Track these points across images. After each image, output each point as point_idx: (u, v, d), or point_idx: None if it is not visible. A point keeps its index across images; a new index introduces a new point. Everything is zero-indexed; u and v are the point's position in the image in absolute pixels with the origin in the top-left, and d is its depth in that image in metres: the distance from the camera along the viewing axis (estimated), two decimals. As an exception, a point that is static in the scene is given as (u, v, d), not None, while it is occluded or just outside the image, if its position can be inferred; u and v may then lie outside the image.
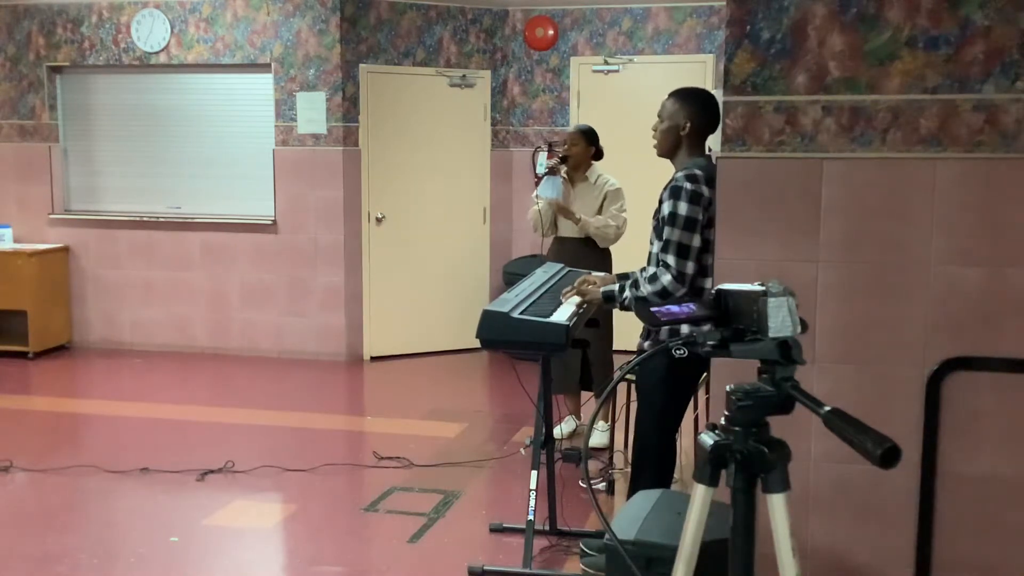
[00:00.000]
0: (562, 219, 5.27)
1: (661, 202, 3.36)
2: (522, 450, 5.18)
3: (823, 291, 2.88)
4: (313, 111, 7.14)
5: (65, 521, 4.27)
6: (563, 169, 5.24)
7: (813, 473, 2.91)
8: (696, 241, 3.26)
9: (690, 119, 3.40)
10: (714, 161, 3.19)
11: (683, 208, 3.25)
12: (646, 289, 3.29)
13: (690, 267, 3.26)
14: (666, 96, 3.52)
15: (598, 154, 5.30)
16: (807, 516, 2.93)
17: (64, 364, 7.31)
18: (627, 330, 5.18)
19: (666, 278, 3.24)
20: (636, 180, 5.54)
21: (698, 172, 3.30)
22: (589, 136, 5.26)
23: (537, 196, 5.26)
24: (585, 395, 5.49)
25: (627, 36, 7.51)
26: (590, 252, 5.18)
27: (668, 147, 3.47)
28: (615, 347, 5.38)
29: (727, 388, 1.85)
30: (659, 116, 3.50)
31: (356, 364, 7.29)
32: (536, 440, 3.79)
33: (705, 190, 3.27)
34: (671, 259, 3.25)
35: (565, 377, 5.28)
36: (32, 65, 7.62)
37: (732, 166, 2.92)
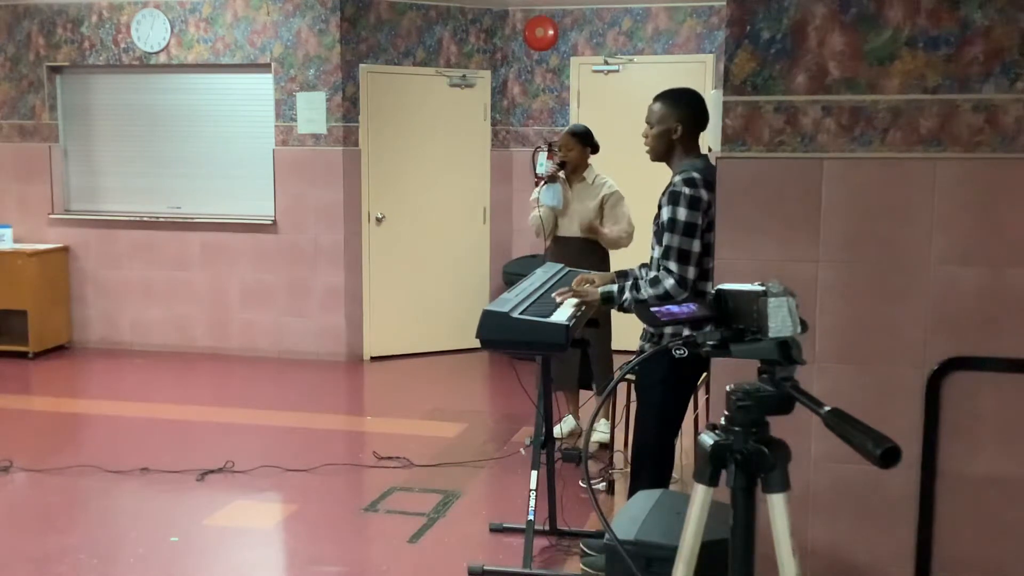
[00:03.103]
0: (561, 220, 5.28)
1: (660, 207, 3.35)
2: (522, 450, 5.18)
3: (823, 291, 2.88)
4: (313, 111, 7.14)
5: (65, 521, 4.27)
6: (561, 174, 5.23)
7: (813, 473, 2.91)
8: (696, 246, 3.26)
9: (681, 121, 3.39)
10: (713, 161, 3.19)
11: (682, 214, 3.25)
12: (647, 292, 3.29)
13: (692, 272, 3.25)
14: (652, 100, 3.50)
15: (594, 150, 5.31)
16: (807, 516, 2.93)
17: (64, 364, 7.31)
18: (627, 330, 5.18)
19: (669, 282, 3.24)
20: (636, 180, 5.53)
21: (696, 176, 3.29)
22: (583, 138, 5.27)
23: (539, 201, 5.24)
24: (585, 394, 5.49)
25: (627, 36, 7.51)
26: (590, 252, 5.18)
27: (662, 151, 3.46)
28: (615, 347, 5.38)
29: (727, 388, 1.85)
30: (648, 122, 3.48)
31: (356, 364, 7.29)
32: (536, 440, 3.79)
33: (704, 194, 3.26)
34: (673, 265, 3.25)
35: (564, 374, 5.28)
36: (32, 65, 7.62)
37: (732, 166, 2.92)
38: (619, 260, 5.30)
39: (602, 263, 5.14)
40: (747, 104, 2.89)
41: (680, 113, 3.40)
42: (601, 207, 5.23)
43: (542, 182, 5.26)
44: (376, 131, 7.26)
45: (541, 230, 5.29)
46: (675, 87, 3.57)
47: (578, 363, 5.28)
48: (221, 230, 7.45)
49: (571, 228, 5.26)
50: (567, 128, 5.42)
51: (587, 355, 5.18)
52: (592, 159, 5.36)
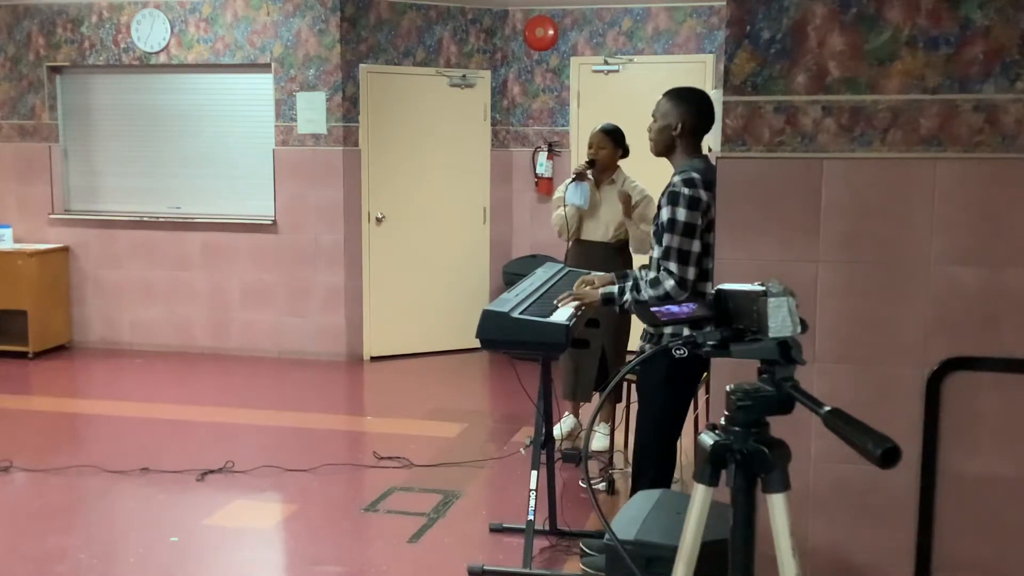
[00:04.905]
0: (587, 223, 5.08)
1: (660, 207, 3.36)
2: (522, 450, 5.17)
3: (823, 291, 2.88)
4: (313, 111, 7.14)
5: (65, 521, 4.27)
6: (589, 173, 5.02)
7: (813, 473, 2.91)
8: (696, 247, 3.26)
9: (682, 120, 3.39)
10: (713, 161, 3.19)
11: (682, 214, 3.25)
12: (648, 293, 3.29)
13: (691, 272, 3.25)
14: (661, 95, 3.51)
15: (624, 153, 5.09)
16: (807, 516, 2.93)
17: (64, 364, 7.31)
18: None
19: (669, 283, 3.24)
20: (637, 180, 5.52)
21: (695, 176, 3.29)
22: (616, 137, 5.04)
23: (564, 199, 5.05)
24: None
25: (627, 36, 7.51)
26: (613, 256, 5.01)
27: (663, 147, 3.46)
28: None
29: (727, 388, 1.85)
30: (653, 116, 3.49)
31: (356, 364, 7.29)
32: (536, 440, 3.79)
33: (703, 194, 3.26)
34: (673, 266, 3.25)
35: (581, 384, 5.19)
36: (32, 65, 7.62)
37: (732, 166, 2.92)
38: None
39: (625, 267, 4.95)
40: (747, 104, 2.89)
41: (683, 111, 3.40)
42: (634, 211, 4.97)
43: (569, 180, 5.05)
44: (376, 131, 7.26)
45: (565, 230, 5.08)
46: (686, 86, 3.57)
47: (595, 372, 5.13)
48: (221, 230, 7.45)
49: (596, 232, 5.07)
50: (599, 126, 5.09)
51: (605, 357, 5.11)
52: None
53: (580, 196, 5.01)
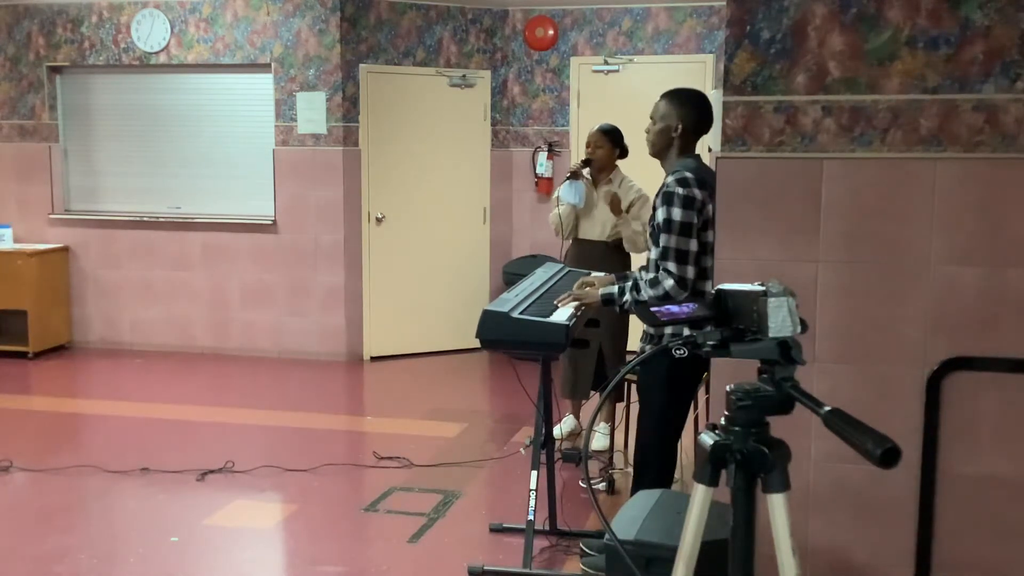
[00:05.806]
0: (584, 222, 5.09)
1: (654, 209, 3.36)
2: (522, 450, 5.17)
3: (823, 291, 2.88)
4: (313, 111, 7.14)
5: (65, 521, 4.27)
6: (586, 172, 5.04)
7: (813, 473, 2.91)
8: (693, 245, 3.27)
9: (682, 120, 3.41)
10: (712, 161, 3.19)
11: (677, 214, 3.26)
12: (648, 293, 3.29)
13: (691, 271, 3.26)
14: (659, 97, 3.52)
15: (622, 153, 5.10)
16: (807, 516, 2.93)
17: (64, 364, 7.31)
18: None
19: (668, 283, 3.24)
20: (635, 180, 5.52)
21: (688, 175, 3.30)
22: (614, 137, 5.04)
23: (559, 198, 5.06)
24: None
25: (627, 36, 7.51)
26: (611, 255, 5.02)
27: (660, 148, 3.48)
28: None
29: (727, 388, 1.85)
30: (651, 118, 3.50)
31: (356, 364, 7.29)
32: (536, 440, 3.79)
33: (697, 193, 3.27)
34: (672, 265, 3.25)
35: (579, 384, 5.21)
36: (32, 65, 7.62)
37: (732, 166, 2.92)
38: (639, 262, 5.24)
39: (622, 266, 4.98)
40: (747, 104, 2.89)
41: (683, 112, 3.41)
42: (628, 210, 4.99)
43: (565, 179, 5.06)
44: (376, 131, 7.26)
45: (560, 229, 5.09)
46: (684, 87, 3.58)
47: (593, 371, 5.14)
48: (221, 230, 7.45)
49: (593, 231, 5.07)
50: (598, 126, 5.10)
51: (602, 356, 5.11)
52: None
53: (575, 194, 5.02)
